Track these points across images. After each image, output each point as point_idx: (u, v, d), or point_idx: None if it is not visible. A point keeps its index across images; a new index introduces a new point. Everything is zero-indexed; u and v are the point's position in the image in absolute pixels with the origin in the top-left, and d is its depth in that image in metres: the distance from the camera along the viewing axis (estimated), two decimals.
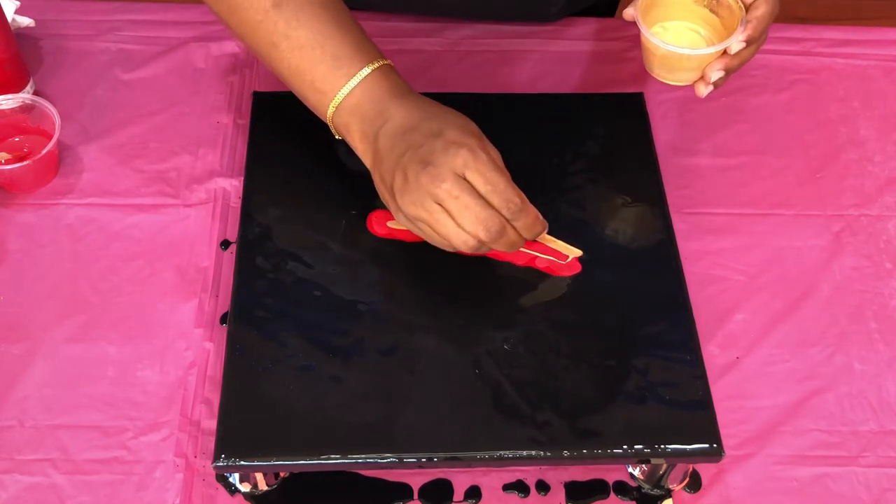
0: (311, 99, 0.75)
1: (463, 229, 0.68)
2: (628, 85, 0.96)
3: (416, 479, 0.75)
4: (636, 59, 0.98)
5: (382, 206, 0.79)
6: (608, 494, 0.75)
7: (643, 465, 0.74)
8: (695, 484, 0.76)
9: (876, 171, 0.93)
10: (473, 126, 0.71)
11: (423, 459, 0.68)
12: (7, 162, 0.86)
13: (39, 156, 0.84)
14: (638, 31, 0.76)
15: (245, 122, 0.91)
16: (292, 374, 0.71)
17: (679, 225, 0.82)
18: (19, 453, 0.74)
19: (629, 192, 0.82)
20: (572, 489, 0.75)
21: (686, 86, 0.79)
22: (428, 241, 0.71)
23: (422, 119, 0.71)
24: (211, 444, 0.69)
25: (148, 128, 0.91)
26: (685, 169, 0.91)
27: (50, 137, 0.85)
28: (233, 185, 0.88)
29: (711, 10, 0.78)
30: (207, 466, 0.74)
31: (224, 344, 0.73)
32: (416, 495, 0.74)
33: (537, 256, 0.78)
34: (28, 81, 0.91)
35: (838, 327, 0.83)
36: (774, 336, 0.82)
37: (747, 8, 0.75)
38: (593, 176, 0.83)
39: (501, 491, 0.75)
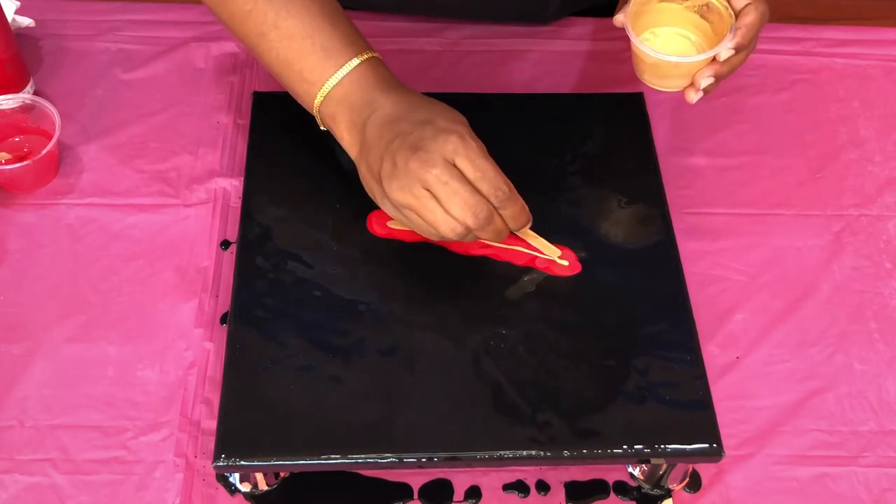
0: (299, 89, 0.75)
1: (451, 215, 0.68)
2: (628, 85, 0.96)
3: (416, 479, 0.75)
4: None
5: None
6: (608, 494, 0.75)
7: (643, 465, 0.74)
8: (695, 484, 0.76)
9: (876, 171, 0.93)
10: (461, 116, 0.71)
11: (423, 459, 0.68)
12: (7, 162, 0.86)
13: (39, 156, 0.84)
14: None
15: (245, 122, 0.91)
16: (292, 374, 0.71)
17: (679, 225, 0.82)
18: (19, 453, 0.74)
19: (629, 192, 0.82)
20: (572, 489, 0.75)
21: (677, 91, 0.79)
22: (414, 229, 0.72)
23: (410, 109, 0.71)
24: (211, 444, 0.69)
25: (148, 128, 0.91)
26: (685, 169, 0.91)
27: (50, 137, 0.85)
28: (233, 185, 0.88)
29: (702, 16, 0.78)
30: (207, 466, 0.74)
31: (224, 344, 0.73)
32: (416, 495, 0.74)
33: (537, 256, 0.78)
34: (28, 81, 0.91)
35: (838, 327, 0.83)
36: (774, 336, 0.82)
37: (737, 14, 0.75)
38: (593, 176, 0.83)
39: (501, 491, 0.75)
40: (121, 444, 0.75)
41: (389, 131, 0.70)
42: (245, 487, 0.74)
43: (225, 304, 0.81)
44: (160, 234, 0.85)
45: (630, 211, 0.81)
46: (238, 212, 0.81)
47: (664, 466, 0.73)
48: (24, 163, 0.83)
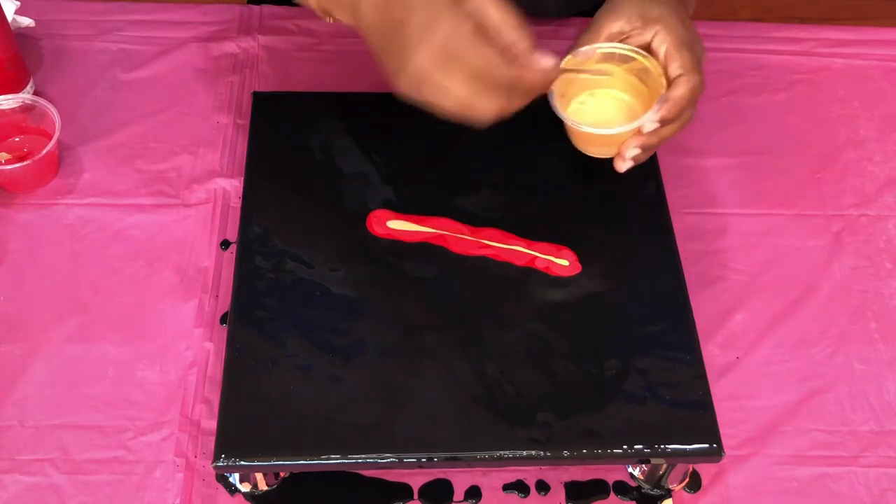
0: None
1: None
2: None
3: (416, 479, 0.75)
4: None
5: (382, 206, 0.80)
6: (608, 494, 0.75)
7: (643, 465, 0.74)
8: (695, 484, 0.76)
9: (876, 171, 0.93)
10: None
11: (423, 459, 0.68)
12: (7, 162, 0.86)
13: (39, 156, 0.84)
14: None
15: (245, 122, 0.91)
16: (292, 374, 0.71)
17: (679, 225, 0.82)
18: (19, 453, 0.74)
19: (629, 192, 0.82)
20: (572, 489, 0.75)
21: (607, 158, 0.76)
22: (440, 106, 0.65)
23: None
24: (211, 444, 0.69)
25: (148, 128, 0.92)
26: (685, 169, 0.91)
27: (50, 137, 0.85)
28: (233, 185, 0.88)
29: (640, 80, 0.75)
30: (207, 466, 0.74)
31: (224, 344, 0.73)
32: (416, 495, 0.74)
33: (537, 257, 0.78)
34: (28, 81, 0.91)
35: (838, 327, 0.83)
36: (774, 336, 0.83)
37: (669, 83, 0.72)
38: (593, 176, 0.83)
39: (501, 491, 0.75)
40: (121, 444, 0.75)
41: (384, 21, 0.64)
42: (245, 487, 0.74)
43: (225, 304, 0.81)
44: (160, 234, 0.85)
45: (630, 211, 0.81)
46: (238, 212, 0.81)
47: (664, 466, 0.73)
48: (24, 163, 0.84)
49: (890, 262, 0.88)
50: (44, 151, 0.84)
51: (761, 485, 0.76)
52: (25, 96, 0.88)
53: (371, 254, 0.78)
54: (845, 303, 0.85)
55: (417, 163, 0.82)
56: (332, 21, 0.71)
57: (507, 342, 0.73)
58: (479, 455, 0.69)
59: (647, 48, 0.74)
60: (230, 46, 0.98)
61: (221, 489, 0.74)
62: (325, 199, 0.80)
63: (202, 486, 0.74)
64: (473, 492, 0.75)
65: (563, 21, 1.01)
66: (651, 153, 0.74)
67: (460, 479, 0.75)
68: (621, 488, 0.75)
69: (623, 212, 0.81)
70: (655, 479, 0.75)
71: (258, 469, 0.70)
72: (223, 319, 0.81)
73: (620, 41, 0.74)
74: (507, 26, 0.64)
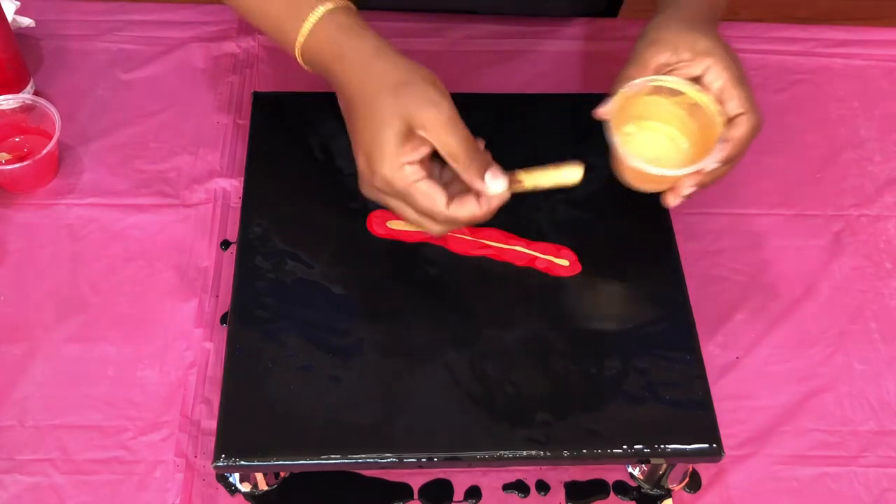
0: (281, 43, 0.73)
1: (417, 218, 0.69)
2: None
3: (416, 479, 0.75)
4: None
5: (382, 206, 0.79)
6: (608, 494, 0.75)
7: (643, 465, 0.74)
8: (695, 484, 0.76)
9: (876, 171, 0.93)
10: (397, 95, 0.66)
11: (423, 459, 0.68)
12: (7, 162, 0.86)
13: (39, 156, 0.84)
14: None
15: (245, 122, 0.91)
16: (292, 374, 0.71)
17: (679, 225, 0.82)
18: (19, 453, 0.74)
19: (629, 193, 0.82)
20: (572, 489, 0.75)
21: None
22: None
23: (347, 108, 0.70)
24: (211, 444, 0.69)
25: (148, 128, 0.92)
26: None
27: (50, 137, 0.85)
28: (233, 185, 0.88)
29: (690, 115, 0.74)
30: (207, 466, 0.74)
31: (224, 344, 0.73)
32: (416, 495, 0.74)
33: (537, 257, 0.78)
34: (28, 81, 0.91)
35: (838, 327, 0.83)
36: (774, 336, 0.83)
37: (729, 120, 0.71)
38: (593, 176, 0.83)
39: (501, 491, 0.75)
40: (121, 444, 0.75)
41: (348, 116, 0.70)
42: (245, 487, 0.74)
43: (225, 304, 0.81)
44: (160, 234, 0.85)
45: (630, 211, 0.81)
46: (238, 212, 0.81)
47: (664, 466, 0.73)
48: (24, 163, 0.84)
49: (890, 262, 0.88)
50: (44, 151, 0.84)
51: (761, 485, 0.76)
52: (25, 96, 0.88)
53: (371, 254, 0.78)
54: (845, 303, 0.85)
55: None
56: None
57: (506, 342, 0.73)
58: (479, 455, 0.69)
59: (696, 81, 0.72)
60: (230, 46, 0.98)
61: (221, 489, 0.74)
62: (325, 199, 0.80)
63: (202, 486, 0.74)
64: (473, 492, 0.75)
65: (562, 21, 1.01)
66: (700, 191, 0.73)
67: (460, 479, 0.75)
68: (621, 488, 0.76)
69: (623, 212, 0.81)
70: (655, 479, 0.75)
71: (258, 469, 0.70)
72: (223, 319, 0.81)
73: (664, 73, 0.73)
74: (459, 154, 0.66)
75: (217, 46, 0.97)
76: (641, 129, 0.76)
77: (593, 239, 0.79)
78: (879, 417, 0.79)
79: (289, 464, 0.69)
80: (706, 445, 0.69)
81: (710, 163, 0.70)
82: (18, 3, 0.93)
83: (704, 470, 0.76)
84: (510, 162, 0.71)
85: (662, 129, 0.76)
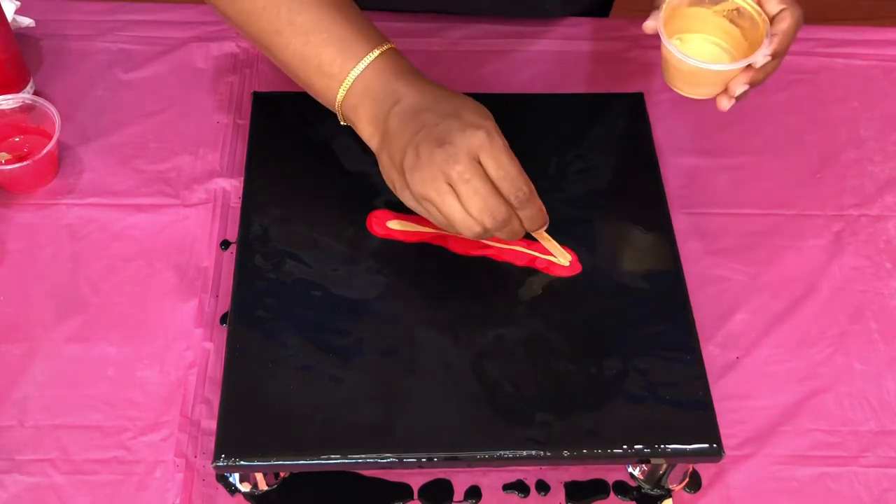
0: (318, 85, 0.74)
1: (469, 214, 0.68)
2: (628, 85, 0.96)
3: (416, 479, 0.75)
4: (636, 59, 0.99)
5: (382, 206, 0.80)
6: (608, 494, 0.75)
7: (643, 465, 0.74)
8: (695, 484, 0.76)
9: (876, 171, 0.93)
10: (487, 111, 0.71)
11: (423, 459, 0.68)
12: (7, 162, 0.86)
13: (39, 156, 0.84)
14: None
15: (245, 122, 0.91)
16: (292, 374, 0.71)
17: (679, 225, 0.82)
18: (19, 453, 0.74)
19: (629, 193, 0.82)
20: (572, 489, 0.75)
21: (707, 98, 0.77)
22: (432, 220, 0.71)
23: (436, 100, 0.70)
24: (211, 444, 0.69)
25: (148, 128, 0.91)
26: (685, 169, 0.91)
27: (50, 137, 0.85)
28: (233, 185, 0.88)
29: (732, 22, 0.76)
30: (207, 466, 0.74)
31: (224, 344, 0.73)
32: (416, 495, 0.74)
33: (537, 257, 0.78)
34: (28, 81, 0.91)
35: (838, 327, 0.83)
36: (774, 336, 0.82)
37: (772, 20, 0.74)
38: (593, 176, 0.83)
39: (501, 491, 0.75)
40: (121, 444, 0.75)
41: (414, 122, 0.69)
42: (245, 487, 0.74)
43: (225, 304, 0.81)
44: (160, 234, 0.85)
45: (630, 211, 0.81)
46: (238, 212, 0.81)
47: (664, 466, 0.73)
48: (24, 163, 0.84)
49: (890, 262, 0.88)
50: (44, 151, 0.84)
51: (761, 485, 0.76)
52: (25, 96, 0.88)
53: (371, 254, 0.78)
54: (845, 303, 0.85)
55: None
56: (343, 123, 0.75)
57: (506, 342, 0.73)
58: (479, 455, 0.69)
59: None
60: (230, 46, 0.98)
61: (221, 489, 0.74)
62: (325, 199, 0.80)
63: (202, 486, 0.74)
64: (473, 492, 0.75)
65: (558, 21, 1.01)
66: (750, 92, 0.75)
67: (460, 479, 0.75)
68: (621, 488, 0.75)
69: (623, 212, 0.81)
70: (655, 479, 0.75)
71: (258, 469, 0.70)
72: (223, 319, 0.81)
73: None
74: (516, 173, 0.69)
75: (217, 46, 0.97)
76: (686, 42, 0.78)
77: (593, 239, 0.79)
78: (879, 417, 0.79)
79: (289, 464, 0.69)
80: (706, 445, 0.69)
81: (761, 56, 0.73)
82: (18, 3, 0.93)
83: (704, 470, 0.76)
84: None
85: (707, 39, 0.78)
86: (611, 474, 0.76)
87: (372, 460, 0.68)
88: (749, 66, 0.73)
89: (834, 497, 0.75)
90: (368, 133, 0.73)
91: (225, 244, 0.85)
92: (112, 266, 0.83)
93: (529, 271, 0.77)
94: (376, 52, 0.72)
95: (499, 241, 0.78)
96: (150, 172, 0.89)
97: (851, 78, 1.00)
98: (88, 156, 0.89)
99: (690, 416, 0.71)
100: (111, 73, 0.95)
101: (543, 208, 0.72)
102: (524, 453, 0.69)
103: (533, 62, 0.98)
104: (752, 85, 0.74)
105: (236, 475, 0.73)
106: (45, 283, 0.82)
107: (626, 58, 0.99)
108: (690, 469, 0.75)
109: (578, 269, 0.78)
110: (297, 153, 0.83)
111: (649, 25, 0.75)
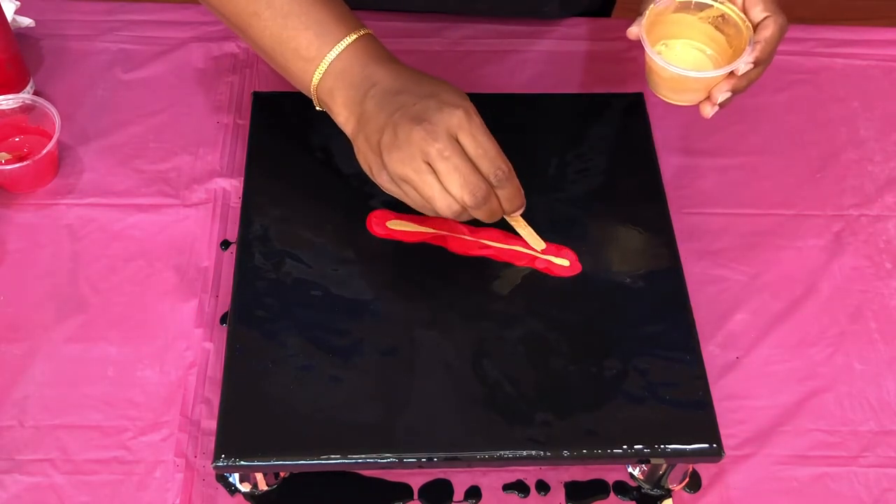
0: (294, 68, 0.74)
1: (448, 192, 0.68)
2: (628, 85, 0.96)
3: (416, 479, 0.75)
4: (636, 59, 0.99)
5: (382, 207, 0.80)
6: (608, 494, 0.75)
7: (643, 465, 0.74)
8: (695, 484, 0.76)
9: (876, 171, 0.93)
10: (464, 93, 0.71)
11: (423, 459, 0.68)
12: (7, 162, 0.86)
13: (39, 156, 0.84)
14: (639, 44, 0.76)
15: (245, 122, 0.91)
16: (292, 374, 0.71)
17: (679, 225, 0.82)
18: (19, 453, 0.74)
19: (629, 193, 0.82)
20: (572, 489, 0.75)
21: (691, 105, 0.78)
22: (410, 204, 0.71)
23: (412, 82, 0.71)
24: (211, 444, 0.69)
25: (148, 128, 0.92)
26: (685, 169, 0.91)
27: (50, 137, 0.85)
28: (233, 185, 0.88)
29: (717, 28, 0.77)
30: (207, 466, 0.74)
31: (224, 344, 0.73)
32: (416, 495, 0.74)
33: (537, 257, 0.78)
34: (28, 81, 0.91)
35: (838, 327, 0.83)
36: (774, 336, 0.82)
37: (755, 27, 0.74)
38: (593, 176, 0.83)
39: (501, 491, 0.75)
40: (121, 444, 0.75)
41: (391, 103, 0.70)
42: (245, 487, 0.74)
43: (225, 304, 0.81)
44: (160, 234, 0.85)
45: (630, 211, 0.81)
46: (238, 212, 0.81)
47: (664, 466, 0.73)
48: (24, 163, 0.84)
49: (890, 262, 0.88)
50: (44, 151, 0.84)
51: (761, 485, 0.76)
52: (25, 96, 0.88)
53: (371, 254, 0.78)
54: (845, 303, 0.85)
55: None
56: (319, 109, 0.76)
57: (506, 342, 0.73)
58: (479, 455, 0.69)
59: None
60: (230, 46, 0.98)
61: (221, 489, 0.74)
62: (325, 199, 0.80)
63: (202, 486, 0.74)
64: (473, 492, 0.75)
65: (558, 21, 1.01)
66: (734, 99, 0.76)
67: (460, 479, 0.75)
68: (621, 488, 0.75)
69: (623, 212, 0.81)
70: (655, 479, 0.75)
71: (258, 469, 0.70)
72: (223, 319, 0.81)
73: None
74: (495, 151, 0.69)
75: (217, 46, 0.97)
76: (671, 48, 0.79)
77: (593, 239, 0.79)
78: (879, 417, 0.79)
79: (289, 464, 0.69)
80: (706, 445, 0.69)
81: (743, 63, 0.73)
82: (18, 3, 0.93)
83: (704, 470, 0.76)
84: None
85: (691, 45, 0.79)
86: (611, 474, 0.76)
87: (372, 460, 0.68)
88: (732, 73, 0.74)
89: (834, 497, 0.75)
90: (344, 117, 0.73)
91: (225, 244, 0.85)
92: (112, 266, 0.83)
93: (529, 271, 0.77)
94: (353, 37, 0.72)
95: (499, 241, 0.78)
96: (150, 172, 0.89)
97: (851, 78, 1.00)
98: (88, 156, 0.89)
99: (690, 416, 0.71)
100: (111, 73, 0.95)
101: (521, 189, 0.72)
102: (524, 453, 0.69)
103: (533, 62, 0.98)
104: (735, 92, 0.75)
105: (236, 475, 0.73)
106: (45, 283, 0.82)
107: (625, 58, 0.99)
108: (690, 469, 0.75)
109: (579, 269, 0.78)
110: (297, 153, 0.83)
111: (633, 31, 0.76)
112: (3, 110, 0.87)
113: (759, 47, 0.73)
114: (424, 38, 0.99)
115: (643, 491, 0.75)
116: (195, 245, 0.85)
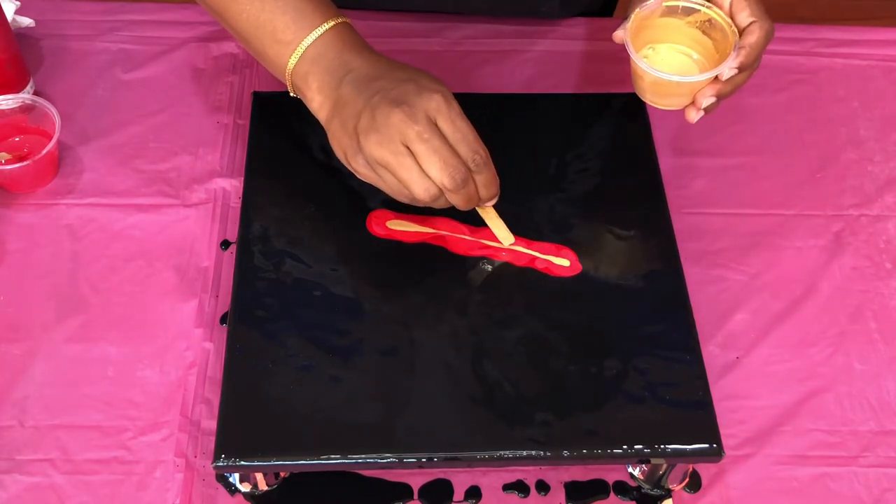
0: (270, 52, 0.74)
1: (427, 175, 0.68)
2: (628, 85, 0.96)
3: (416, 479, 0.75)
4: None
5: (382, 206, 0.80)
6: (608, 494, 0.75)
7: (643, 465, 0.74)
8: (695, 484, 0.76)
9: (876, 171, 0.93)
10: (441, 80, 0.71)
11: (423, 459, 0.68)
12: (7, 162, 0.86)
13: (39, 156, 0.84)
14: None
15: (245, 122, 0.91)
16: (292, 374, 0.71)
17: (679, 225, 0.82)
18: (19, 453, 0.74)
19: (629, 193, 0.82)
20: (572, 489, 0.75)
21: (677, 110, 0.78)
22: (386, 190, 0.71)
23: (389, 69, 0.71)
24: (211, 444, 0.69)
25: (148, 128, 0.92)
26: (685, 169, 0.91)
27: (50, 137, 0.85)
28: (233, 185, 0.88)
29: (704, 33, 0.77)
30: (207, 466, 0.74)
31: (224, 344, 0.73)
32: (416, 495, 0.74)
33: (537, 257, 0.78)
34: (28, 81, 0.91)
35: (838, 327, 0.83)
36: (774, 336, 0.83)
37: (741, 32, 0.74)
38: (593, 176, 0.83)
39: (501, 491, 0.75)
40: (121, 444, 0.75)
41: (368, 88, 0.70)
42: (245, 487, 0.74)
43: (225, 304, 0.81)
44: (160, 234, 0.85)
45: (630, 211, 0.81)
46: (238, 212, 0.81)
47: (664, 466, 0.73)
48: (24, 163, 0.84)
49: (890, 262, 0.88)
50: (44, 151, 0.84)
51: (761, 485, 0.76)
52: (25, 96, 0.88)
53: (371, 254, 0.78)
54: (845, 303, 0.85)
55: None
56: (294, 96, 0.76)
57: (506, 342, 0.73)
58: (479, 455, 0.69)
59: None
60: (230, 46, 0.98)
61: (221, 489, 0.74)
62: (325, 199, 0.80)
63: (202, 486, 0.74)
64: (473, 492, 0.75)
65: (558, 21, 1.01)
66: (720, 104, 0.76)
67: (460, 479, 0.75)
68: (621, 488, 0.75)
69: (623, 212, 0.81)
70: (655, 479, 0.75)
71: (258, 469, 0.70)
72: (223, 319, 0.81)
73: None
74: (473, 136, 0.69)
75: (217, 46, 0.97)
76: (657, 52, 0.79)
77: (593, 239, 0.79)
78: (879, 417, 0.79)
79: (289, 464, 0.69)
80: (706, 445, 0.69)
81: (727, 68, 0.73)
82: (18, 3, 0.93)
83: (704, 470, 0.76)
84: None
85: (678, 50, 0.79)
86: (611, 474, 0.76)
87: (372, 460, 0.68)
88: (716, 78, 0.74)
89: (834, 497, 0.75)
90: (318, 102, 0.73)
91: (225, 244, 0.85)
92: (112, 266, 0.83)
93: (529, 271, 0.77)
94: (331, 23, 0.73)
95: (498, 239, 0.78)
96: (150, 172, 0.89)
97: (851, 78, 1.00)
98: (88, 156, 0.89)
99: (690, 415, 0.71)
100: (111, 73, 0.95)
101: (497, 177, 0.72)
102: (524, 453, 0.69)
103: (533, 62, 0.98)
104: (720, 97, 0.74)
105: (236, 475, 0.73)
106: (45, 283, 0.82)
107: (626, 58, 0.98)
108: (690, 469, 0.75)
109: (578, 269, 0.78)
110: (297, 153, 0.83)
111: (618, 35, 0.76)
112: (3, 110, 0.87)
113: (743, 52, 0.73)
114: (424, 38, 0.99)
115: (643, 491, 0.75)
116: (195, 245, 0.85)
